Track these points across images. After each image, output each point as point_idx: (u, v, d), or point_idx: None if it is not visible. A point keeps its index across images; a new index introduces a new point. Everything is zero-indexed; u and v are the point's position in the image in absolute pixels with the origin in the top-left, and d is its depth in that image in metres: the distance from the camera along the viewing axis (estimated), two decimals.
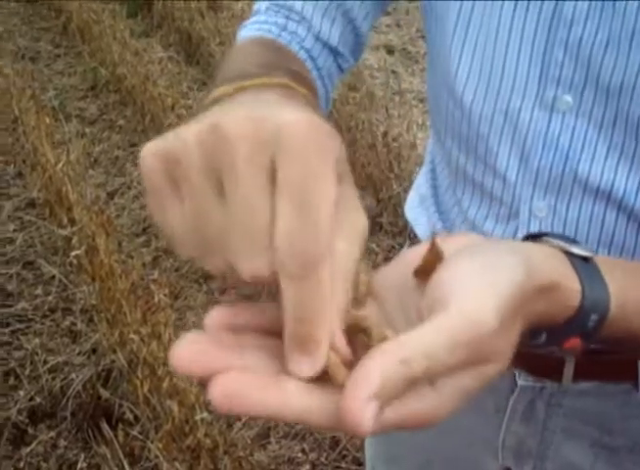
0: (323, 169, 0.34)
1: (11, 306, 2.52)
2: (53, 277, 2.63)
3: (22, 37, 4.80)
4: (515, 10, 0.66)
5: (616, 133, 0.64)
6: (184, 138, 0.36)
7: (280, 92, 0.46)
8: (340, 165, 0.36)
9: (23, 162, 3.29)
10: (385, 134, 3.00)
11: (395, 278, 0.43)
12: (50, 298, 2.55)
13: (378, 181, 2.94)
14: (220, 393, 0.34)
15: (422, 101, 3.75)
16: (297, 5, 0.72)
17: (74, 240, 2.56)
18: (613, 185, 0.65)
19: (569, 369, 0.74)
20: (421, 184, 0.87)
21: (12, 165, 3.33)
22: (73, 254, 2.49)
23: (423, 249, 0.42)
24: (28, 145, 3.24)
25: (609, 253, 0.68)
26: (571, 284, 0.44)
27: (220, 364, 0.35)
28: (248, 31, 0.73)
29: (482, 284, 0.38)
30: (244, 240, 0.35)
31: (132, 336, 2.06)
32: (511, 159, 0.69)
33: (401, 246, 2.70)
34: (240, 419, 2.09)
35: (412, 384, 0.35)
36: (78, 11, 4.71)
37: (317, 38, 0.73)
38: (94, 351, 2.31)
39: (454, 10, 0.69)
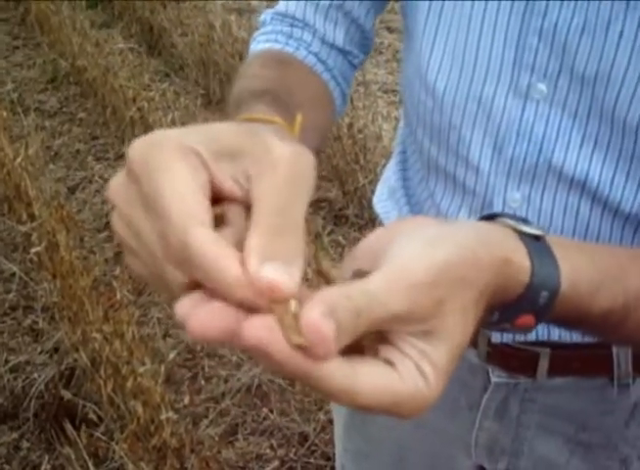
0: (158, 164, 0.37)
1: None
2: (13, 274, 2.58)
3: None
4: None
5: (590, 123, 0.63)
6: (113, 220, 0.42)
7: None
8: (208, 141, 0.39)
9: None
10: (350, 126, 2.98)
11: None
12: (10, 296, 2.50)
13: (343, 173, 2.93)
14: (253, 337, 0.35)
15: (386, 92, 3.74)
16: (299, 13, 0.75)
17: (34, 236, 2.51)
18: (587, 175, 0.65)
19: (543, 365, 0.73)
20: (390, 176, 0.86)
21: None
22: (34, 250, 2.44)
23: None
24: None
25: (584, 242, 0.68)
26: (521, 260, 0.45)
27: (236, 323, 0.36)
28: (257, 44, 0.76)
29: (419, 250, 0.40)
30: (154, 263, 0.39)
31: (95, 335, 2.02)
32: (484, 148, 0.69)
33: None
34: (207, 416, 2.07)
35: (359, 320, 0.36)
36: (37, 1, 4.61)
37: (323, 41, 0.75)
38: (56, 349, 2.27)
39: None
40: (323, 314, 0.35)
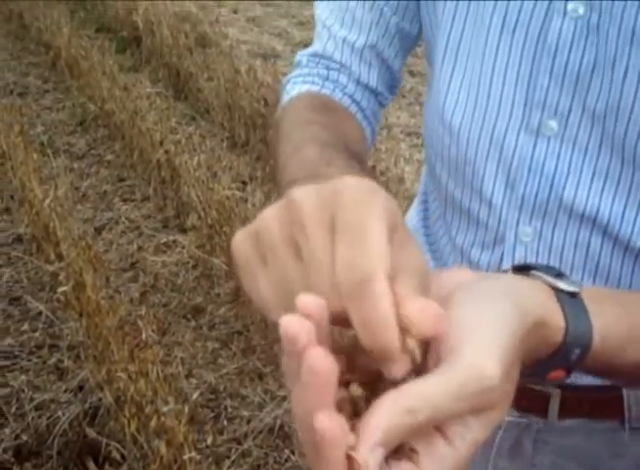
0: (373, 213, 0.39)
1: None
2: (40, 313, 2.61)
3: (11, 72, 4.81)
4: (501, 35, 0.67)
5: (601, 158, 0.65)
6: (264, 217, 0.42)
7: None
8: (393, 216, 0.41)
9: (11, 197, 3.28)
10: (372, 168, 3.01)
11: None
12: (37, 334, 2.52)
13: None
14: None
15: (409, 135, 3.78)
16: (337, 54, 0.78)
17: (62, 276, 2.54)
18: (598, 211, 0.66)
19: (554, 405, 0.74)
20: (411, 217, 0.89)
21: None
22: (60, 290, 2.48)
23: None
24: (16, 181, 3.23)
25: (594, 279, 0.69)
26: (556, 321, 0.46)
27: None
28: (294, 85, 0.80)
29: (487, 338, 0.40)
30: (315, 282, 0.40)
31: (119, 374, 2.04)
32: (497, 183, 0.70)
33: None
34: (229, 457, 2.07)
35: (417, 431, 0.37)
36: (67, 46, 4.73)
37: (358, 82, 0.79)
38: (81, 388, 2.28)
39: (444, 36, 0.72)
40: (371, 448, 0.36)
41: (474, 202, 0.73)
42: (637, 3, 0.60)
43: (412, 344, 0.38)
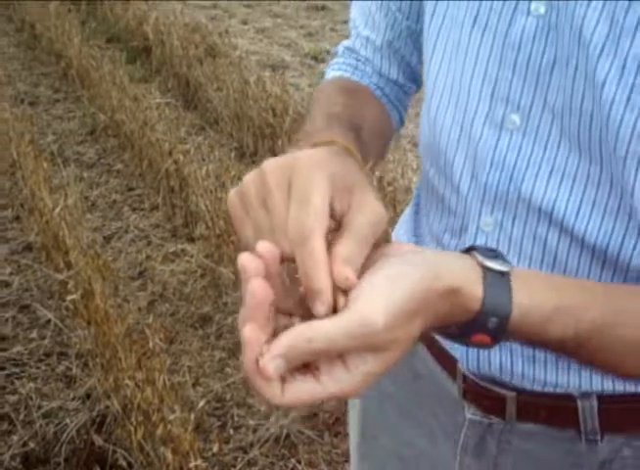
0: (319, 180, 0.52)
1: (6, 350, 2.51)
2: (48, 321, 2.63)
3: (22, 82, 4.86)
4: (471, 33, 0.70)
5: (560, 153, 0.66)
6: (246, 180, 0.55)
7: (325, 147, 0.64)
8: (343, 180, 0.54)
9: (21, 206, 3.31)
10: (380, 179, 3.03)
11: None
12: (45, 342, 2.54)
13: None
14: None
15: (416, 145, 3.78)
16: (362, 51, 0.90)
17: (70, 284, 2.56)
18: (554, 205, 0.67)
19: (510, 407, 0.76)
20: (405, 213, 0.92)
21: (9, 209, 3.36)
22: (69, 298, 2.49)
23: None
24: (26, 189, 3.26)
25: (552, 272, 0.69)
26: (473, 290, 0.54)
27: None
28: (331, 71, 0.92)
29: (381, 292, 0.50)
30: (276, 232, 0.52)
31: (127, 382, 2.05)
32: (464, 172, 0.73)
33: None
34: (235, 466, 2.08)
35: (316, 356, 0.49)
36: (78, 56, 4.77)
37: (380, 74, 0.89)
38: (88, 396, 2.30)
39: (427, 28, 0.77)
40: (273, 357, 0.48)
41: (447, 188, 0.76)
42: (586, 3, 0.61)
43: (342, 302, 0.50)
